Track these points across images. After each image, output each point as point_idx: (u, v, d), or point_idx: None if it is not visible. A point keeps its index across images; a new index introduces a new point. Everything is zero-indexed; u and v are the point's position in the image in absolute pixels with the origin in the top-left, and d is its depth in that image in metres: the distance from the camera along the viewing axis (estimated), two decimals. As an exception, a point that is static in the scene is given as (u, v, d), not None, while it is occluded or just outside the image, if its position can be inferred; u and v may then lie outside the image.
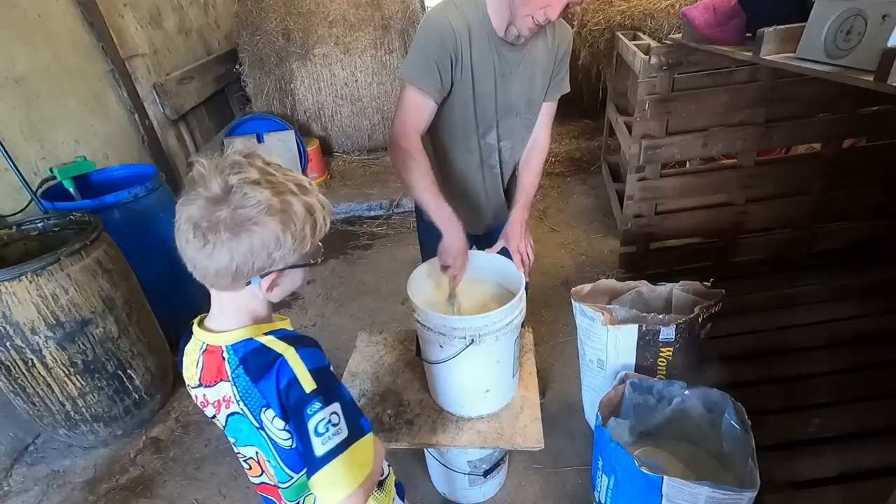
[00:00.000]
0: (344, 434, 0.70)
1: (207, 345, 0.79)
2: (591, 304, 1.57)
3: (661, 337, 1.44)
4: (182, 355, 0.86)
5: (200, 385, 0.82)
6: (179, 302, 2.37)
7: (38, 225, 1.90)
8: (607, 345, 1.52)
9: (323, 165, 3.87)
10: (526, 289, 1.89)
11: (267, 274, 0.73)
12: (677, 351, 1.47)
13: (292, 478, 0.81)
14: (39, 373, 1.68)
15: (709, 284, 1.60)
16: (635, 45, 2.70)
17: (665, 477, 1.10)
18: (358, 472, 0.71)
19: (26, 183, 2.02)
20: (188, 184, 0.71)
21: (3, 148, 1.96)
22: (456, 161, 1.47)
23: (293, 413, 0.70)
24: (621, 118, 3.21)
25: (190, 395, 0.87)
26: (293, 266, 0.74)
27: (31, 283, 1.57)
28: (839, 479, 1.47)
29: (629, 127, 2.68)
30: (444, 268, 1.34)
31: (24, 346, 1.62)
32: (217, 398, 0.80)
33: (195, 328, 0.83)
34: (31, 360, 1.65)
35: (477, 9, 1.27)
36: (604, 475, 1.29)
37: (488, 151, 1.45)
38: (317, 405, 0.69)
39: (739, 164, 2.18)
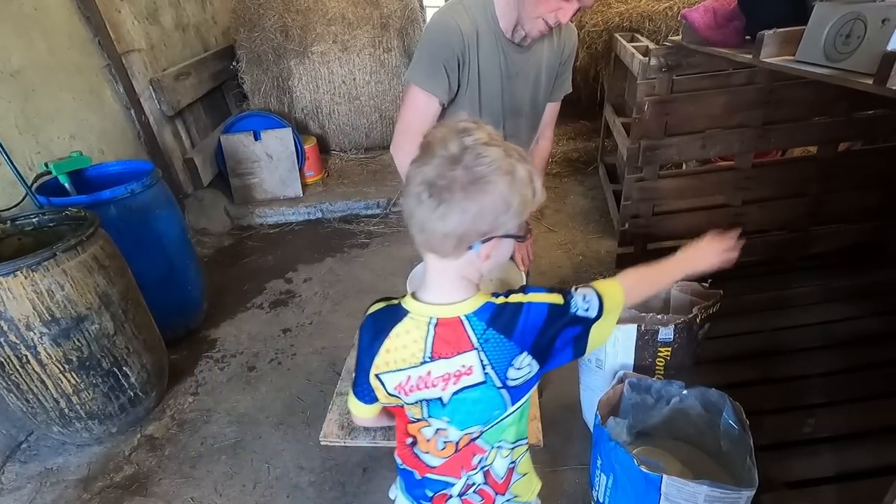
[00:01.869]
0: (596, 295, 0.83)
1: (439, 318, 0.79)
2: (590, 303, 1.57)
3: (659, 337, 1.44)
4: (375, 342, 0.83)
5: (427, 362, 0.80)
6: (175, 299, 2.37)
7: (34, 220, 1.88)
8: (606, 344, 1.52)
9: (320, 164, 3.86)
10: (526, 278, 1.90)
11: (488, 240, 0.74)
12: (675, 351, 1.48)
13: (508, 413, 0.85)
14: (34, 369, 1.66)
15: (707, 285, 1.60)
16: (633, 47, 2.71)
17: (664, 476, 1.11)
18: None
19: (21, 177, 1.99)
20: (423, 148, 0.74)
21: (0, 144, 1.94)
22: None
23: (561, 324, 0.80)
24: (619, 119, 3.23)
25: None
26: (508, 235, 0.76)
27: (25, 278, 1.55)
28: (834, 479, 1.48)
29: (627, 128, 2.69)
30: None
31: (18, 342, 1.60)
32: (448, 371, 0.80)
33: (411, 305, 0.81)
34: (26, 356, 1.63)
35: (485, 10, 1.27)
36: (602, 474, 1.29)
37: None
38: (569, 296, 0.81)
39: (736, 166, 2.20)
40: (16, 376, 1.66)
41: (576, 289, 0.84)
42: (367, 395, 0.89)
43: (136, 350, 1.89)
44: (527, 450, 0.99)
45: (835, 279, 2.29)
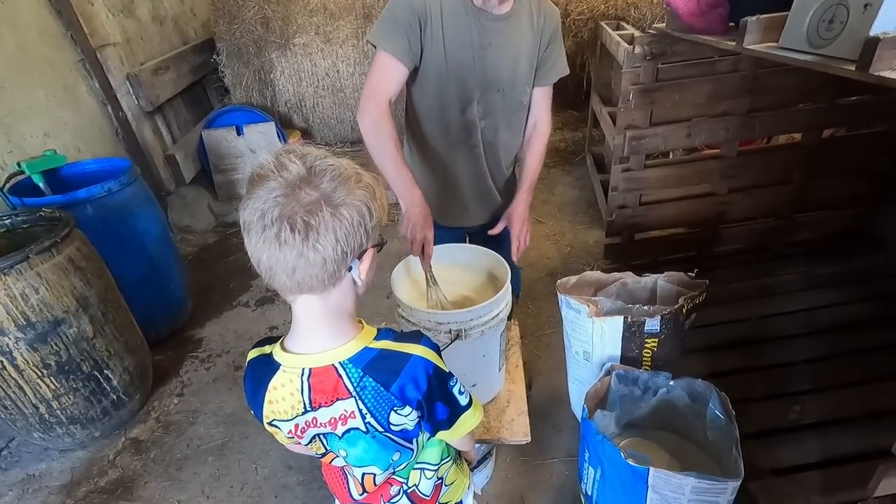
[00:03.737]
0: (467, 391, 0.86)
1: (312, 369, 0.74)
2: (576, 296, 1.56)
3: (646, 328, 1.44)
4: (258, 394, 0.78)
5: (309, 411, 0.76)
6: (158, 299, 2.33)
7: (6, 221, 1.82)
8: (593, 336, 1.51)
9: (305, 158, 3.80)
10: (518, 277, 1.89)
11: (363, 253, 0.70)
12: (662, 341, 1.47)
13: (412, 452, 0.85)
14: (10, 375, 1.62)
15: (693, 275, 1.60)
16: (619, 35, 2.68)
17: (651, 468, 1.11)
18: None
19: (-8, 178, 1.94)
20: (253, 183, 0.65)
21: (-33, 141, 1.87)
22: (431, 137, 1.44)
23: (437, 393, 0.78)
24: (605, 109, 3.21)
25: (275, 425, 0.80)
26: (378, 244, 0.73)
27: (-2, 282, 1.51)
28: (820, 465, 1.50)
29: (613, 117, 2.68)
30: (408, 242, 1.30)
31: (-8, 347, 1.56)
32: (332, 417, 0.76)
33: (281, 357, 0.75)
34: (1, 362, 1.59)
35: None
36: (590, 467, 1.29)
37: (467, 129, 1.41)
38: (454, 379, 0.82)
39: (722, 155, 2.19)
40: (-8, 383, 1.62)
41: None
42: (259, 416, 0.83)
43: (117, 352, 1.85)
44: (453, 463, 0.99)
45: (820, 266, 2.30)
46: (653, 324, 1.43)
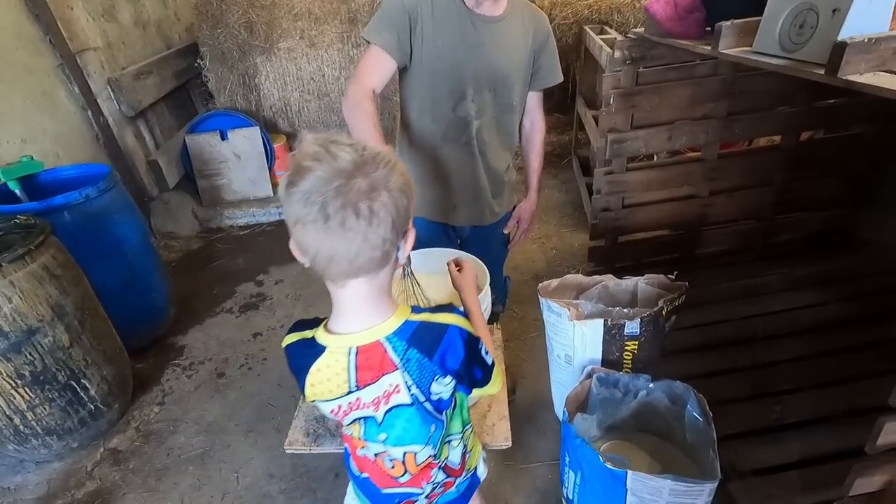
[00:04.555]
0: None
1: (358, 347, 0.77)
2: (557, 299, 1.56)
3: (626, 331, 1.44)
4: (305, 374, 0.80)
5: (354, 391, 0.79)
6: (139, 307, 2.30)
7: (-20, 229, 1.79)
8: (574, 340, 1.51)
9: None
10: (506, 285, 1.90)
11: (406, 232, 0.75)
12: (643, 344, 1.48)
13: (443, 423, 0.88)
14: (-17, 386, 1.58)
15: (673, 277, 1.61)
16: (602, 40, 2.71)
17: (629, 471, 1.10)
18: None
19: (-36, 185, 1.90)
20: (298, 176, 0.65)
21: (-61, 148, 1.84)
22: (424, 134, 1.48)
23: (472, 360, 0.82)
24: (590, 112, 3.23)
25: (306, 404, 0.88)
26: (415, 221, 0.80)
27: (-31, 291, 1.48)
28: (801, 464, 1.51)
29: (597, 121, 2.69)
30: None
31: (-37, 358, 1.53)
32: (377, 395, 0.80)
33: (327, 339, 0.78)
34: (-27, 372, 1.55)
35: None
36: (570, 471, 1.29)
37: (459, 126, 1.45)
38: (481, 342, 0.85)
39: (703, 158, 2.21)
40: (-36, 394, 1.59)
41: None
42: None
43: (94, 361, 1.82)
44: (472, 429, 1.04)
45: (801, 266, 2.32)
46: (633, 326, 1.44)
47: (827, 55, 1.07)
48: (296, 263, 2.67)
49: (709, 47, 1.46)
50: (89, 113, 2.80)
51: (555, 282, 1.66)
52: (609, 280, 1.67)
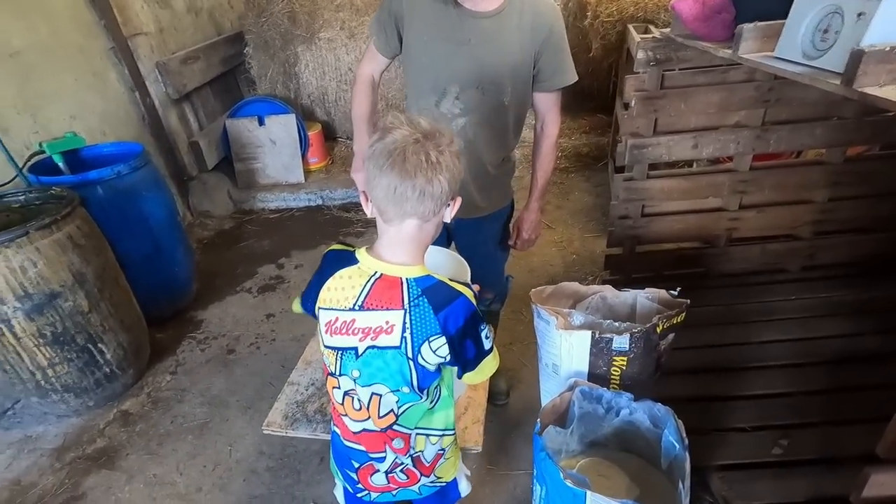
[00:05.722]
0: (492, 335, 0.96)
1: (383, 274, 0.87)
2: (550, 306, 1.51)
3: (614, 345, 1.38)
4: (322, 277, 0.92)
5: (356, 309, 0.88)
6: (162, 280, 2.43)
7: (20, 198, 1.95)
8: (561, 349, 1.46)
9: (324, 150, 3.87)
10: (508, 285, 1.86)
11: (454, 198, 0.89)
12: (632, 360, 1.41)
13: (420, 398, 0.93)
14: (9, 342, 1.73)
15: (675, 293, 1.52)
16: (642, 39, 2.58)
17: (588, 492, 1.06)
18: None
19: (10, 156, 2.07)
20: (384, 132, 0.84)
21: (-10, 121, 2.01)
22: None
23: (469, 333, 0.89)
24: (620, 114, 3.10)
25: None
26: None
27: (-1, 254, 1.61)
28: (801, 506, 1.40)
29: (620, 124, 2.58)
30: (357, 180, 1.55)
31: (-7, 315, 1.67)
32: (370, 325, 0.88)
33: (363, 256, 0.90)
34: (0, 328, 1.69)
35: None
36: (537, 484, 1.25)
37: (443, 122, 1.42)
38: (484, 325, 0.92)
39: (733, 168, 2.08)
40: (-7, 347, 1.74)
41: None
42: (308, 303, 0.97)
43: (111, 328, 1.94)
44: (455, 438, 1.07)
45: (837, 292, 2.15)
46: (621, 341, 1.37)
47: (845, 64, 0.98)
48: (317, 249, 2.74)
49: (730, 50, 1.36)
50: (136, 94, 2.98)
51: (550, 288, 1.61)
52: (608, 291, 1.60)
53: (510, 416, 1.90)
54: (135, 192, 2.20)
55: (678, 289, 1.53)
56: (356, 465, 1.02)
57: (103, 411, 2.03)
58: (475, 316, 0.90)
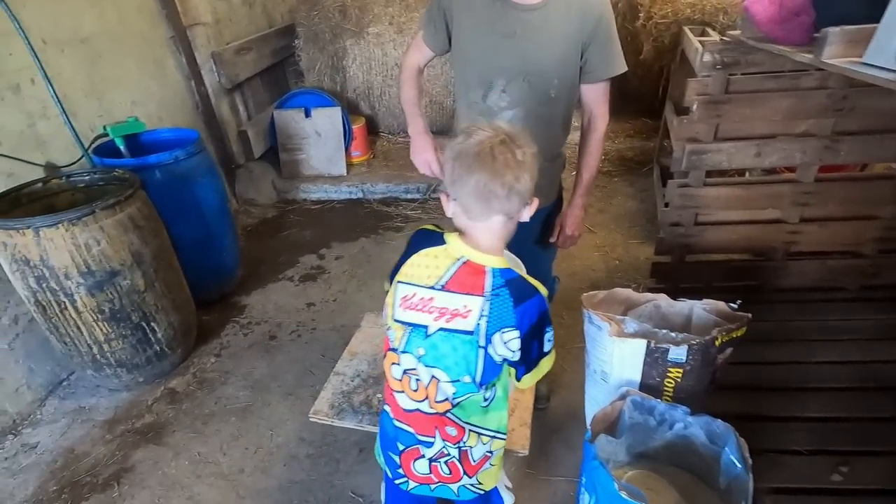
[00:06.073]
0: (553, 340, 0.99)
1: (468, 260, 0.91)
2: (601, 312, 1.48)
3: (670, 356, 1.34)
4: (412, 254, 0.95)
5: (437, 288, 0.91)
6: (210, 264, 2.49)
7: (85, 178, 2.03)
8: (613, 357, 1.43)
9: (367, 144, 3.90)
10: (554, 285, 1.84)
11: (532, 199, 0.92)
12: (687, 373, 1.37)
13: (477, 391, 0.95)
14: (71, 315, 1.80)
15: (735, 306, 1.47)
16: (699, 42, 2.50)
17: (644, 505, 1.03)
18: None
19: (78, 138, 2.15)
20: (467, 134, 0.88)
21: (61, 104, 2.09)
22: (461, 115, 1.58)
23: (536, 333, 0.92)
24: (677, 119, 3.01)
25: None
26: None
27: (66, 231, 1.67)
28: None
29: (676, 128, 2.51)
30: (417, 163, 1.58)
31: (58, 288, 1.74)
32: (447, 306, 0.90)
33: (452, 239, 0.93)
34: (64, 302, 1.77)
35: None
36: (586, 492, 1.23)
37: (487, 115, 1.45)
38: (551, 327, 0.96)
39: (796, 179, 1.99)
40: (56, 320, 1.81)
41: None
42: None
43: (164, 308, 2.01)
44: (503, 446, 1.07)
45: (902, 315, 2.03)
46: (678, 353, 1.33)
47: (950, 73, 0.92)
48: (357, 242, 2.75)
49: (810, 55, 1.30)
50: (192, 82, 3.06)
51: (602, 293, 1.58)
52: (662, 299, 1.56)
53: (551, 420, 1.87)
54: (190, 178, 2.26)
55: (738, 301, 1.47)
56: (401, 447, 1.03)
57: (151, 388, 2.10)
58: (546, 315, 0.93)
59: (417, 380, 0.96)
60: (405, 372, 0.97)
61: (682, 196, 2.04)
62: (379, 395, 1.48)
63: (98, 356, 1.92)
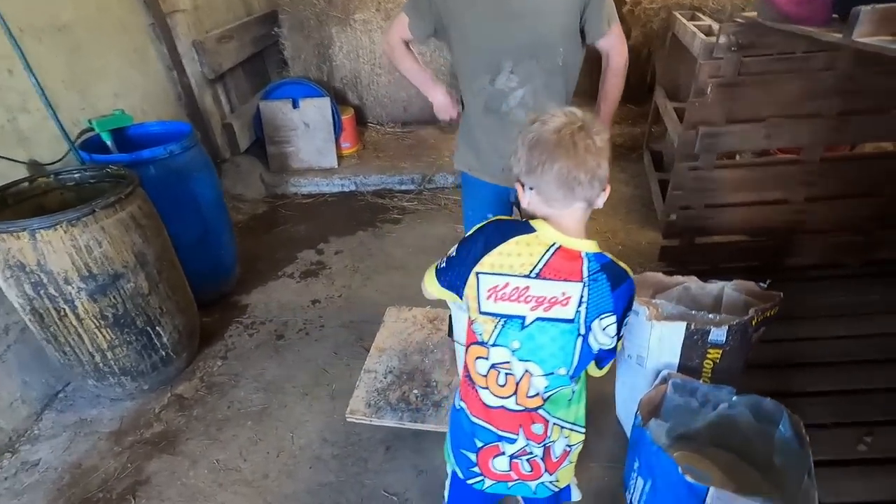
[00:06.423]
0: None
1: (562, 246, 0.87)
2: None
3: (710, 338, 1.35)
4: (489, 244, 0.91)
5: (532, 276, 0.87)
6: (209, 263, 2.38)
7: (75, 175, 1.89)
8: (650, 341, 1.43)
9: (356, 135, 3.81)
10: None
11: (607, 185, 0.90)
12: (726, 354, 1.38)
13: (569, 384, 0.93)
14: (71, 323, 1.68)
15: (765, 286, 1.49)
16: (695, 26, 2.52)
17: (712, 488, 1.03)
18: None
19: (65, 133, 2.01)
20: (542, 123, 0.85)
21: (46, 96, 1.94)
22: (468, 104, 1.56)
23: (626, 316, 0.91)
24: (671, 104, 3.04)
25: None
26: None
27: (65, 232, 1.56)
28: (890, 504, 1.37)
29: (679, 113, 2.53)
30: (442, 116, 1.62)
31: (57, 295, 1.62)
32: (545, 295, 0.87)
33: (541, 226, 0.89)
34: (64, 309, 1.65)
35: None
36: (639, 478, 1.22)
37: (497, 98, 1.45)
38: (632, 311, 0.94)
39: (802, 160, 2.03)
40: (54, 328, 1.69)
41: None
42: (446, 280, 0.97)
43: (168, 311, 1.90)
44: (581, 440, 1.05)
45: (902, 288, 2.11)
46: (719, 334, 1.34)
47: None
48: (355, 236, 2.68)
49: (839, 35, 1.30)
50: (174, 73, 2.91)
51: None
52: (692, 282, 1.56)
53: (576, 407, 1.87)
54: (186, 173, 2.14)
55: (767, 280, 1.49)
56: (479, 444, 0.99)
57: (157, 395, 2.00)
58: (633, 300, 0.91)
59: (508, 374, 0.92)
60: (493, 366, 0.93)
61: (695, 179, 2.05)
62: (416, 391, 1.44)
63: (101, 365, 1.80)
